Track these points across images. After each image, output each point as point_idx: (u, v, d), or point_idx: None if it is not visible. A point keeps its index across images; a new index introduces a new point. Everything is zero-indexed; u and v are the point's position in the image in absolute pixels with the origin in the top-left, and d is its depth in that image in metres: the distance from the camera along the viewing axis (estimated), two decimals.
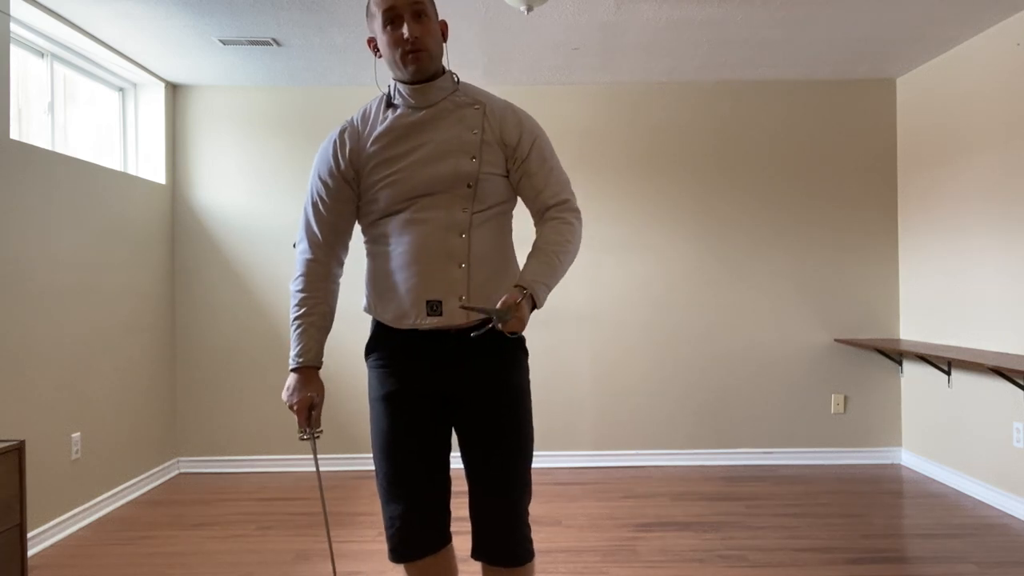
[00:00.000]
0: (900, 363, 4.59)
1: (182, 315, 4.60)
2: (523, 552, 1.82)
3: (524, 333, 2.17)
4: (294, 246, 2.01)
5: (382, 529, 3.47)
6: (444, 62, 1.92)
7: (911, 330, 4.51)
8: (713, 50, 4.04)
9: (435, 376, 1.80)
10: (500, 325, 1.63)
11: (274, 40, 3.81)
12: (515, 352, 1.84)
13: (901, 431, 4.63)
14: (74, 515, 3.53)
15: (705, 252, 4.66)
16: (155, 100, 4.48)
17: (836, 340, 4.61)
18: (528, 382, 1.89)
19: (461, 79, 1.95)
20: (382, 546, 3.25)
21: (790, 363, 4.65)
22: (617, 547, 3.23)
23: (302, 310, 1.84)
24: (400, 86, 1.80)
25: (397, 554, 1.83)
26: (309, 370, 1.83)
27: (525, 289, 1.69)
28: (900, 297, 4.63)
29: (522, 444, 1.81)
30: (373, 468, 4.55)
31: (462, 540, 3.29)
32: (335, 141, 1.84)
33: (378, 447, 1.83)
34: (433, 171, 1.76)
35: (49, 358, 3.37)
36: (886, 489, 4.10)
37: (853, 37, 3.87)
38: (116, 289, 3.94)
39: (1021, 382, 3.48)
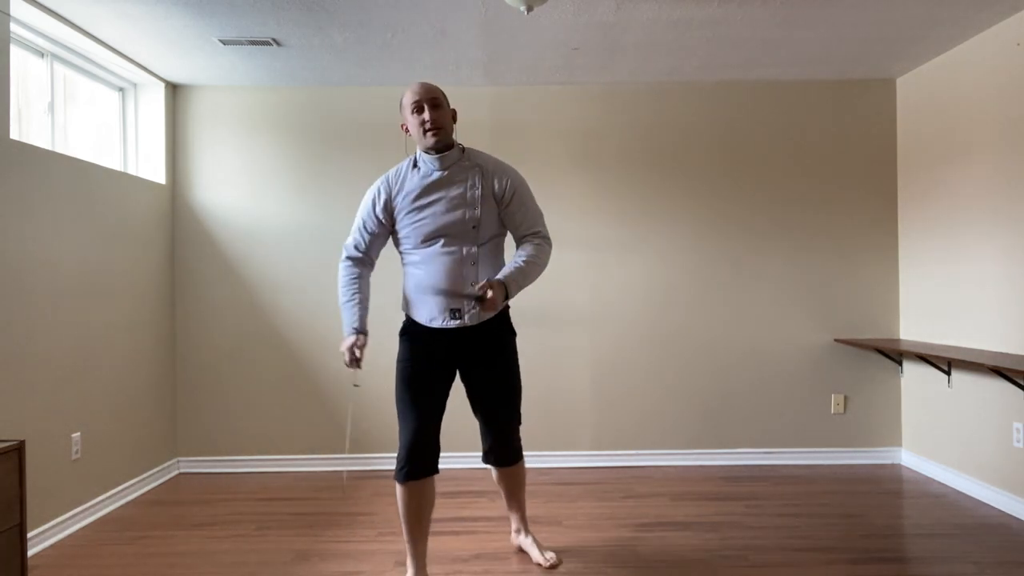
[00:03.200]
0: (900, 363, 4.59)
1: (182, 315, 4.60)
2: (517, 456, 2.90)
3: (518, 327, 3.08)
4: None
5: (382, 529, 3.48)
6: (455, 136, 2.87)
7: (911, 330, 4.51)
8: (713, 50, 4.04)
9: (449, 352, 2.68)
10: (479, 305, 2.48)
11: (274, 40, 3.81)
12: (505, 334, 2.77)
13: (901, 431, 4.63)
14: (74, 515, 3.53)
15: (705, 252, 4.66)
16: (155, 100, 4.48)
17: (836, 340, 4.61)
18: (515, 350, 2.82)
19: (464, 146, 2.84)
20: (382, 546, 3.25)
21: (790, 363, 4.65)
22: (617, 547, 3.23)
23: (353, 293, 2.68)
24: (423, 154, 2.65)
25: (404, 474, 2.59)
26: (361, 335, 2.63)
27: (501, 281, 2.51)
28: (900, 297, 4.63)
29: (514, 388, 2.79)
30: (372, 464, 4.60)
31: (465, 540, 3.29)
32: (377, 190, 2.70)
33: (402, 386, 2.64)
34: (449, 219, 2.62)
35: (49, 358, 3.37)
36: (886, 489, 4.10)
37: (853, 37, 3.87)
38: (116, 289, 3.94)
39: (1021, 382, 3.48)
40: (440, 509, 3.77)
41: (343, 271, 2.73)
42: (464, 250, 2.61)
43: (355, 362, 2.59)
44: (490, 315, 2.65)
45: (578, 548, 3.20)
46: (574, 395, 4.64)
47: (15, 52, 3.45)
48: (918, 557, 3.11)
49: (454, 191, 2.62)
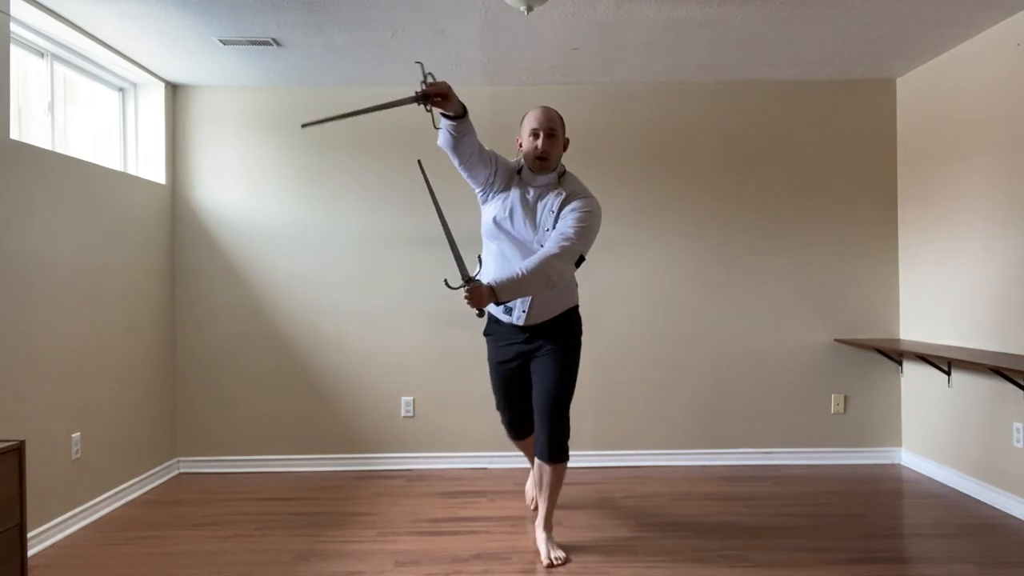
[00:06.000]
0: (900, 363, 4.59)
1: (182, 315, 4.60)
2: (558, 456, 3.01)
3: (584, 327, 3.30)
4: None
5: (382, 529, 3.48)
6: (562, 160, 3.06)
7: (911, 330, 4.51)
8: (713, 50, 4.04)
9: (520, 345, 3.06)
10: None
11: (274, 40, 3.81)
12: (567, 335, 3.10)
13: (901, 431, 4.63)
14: (74, 515, 3.53)
15: (705, 252, 4.66)
16: (155, 100, 4.48)
17: (836, 340, 4.61)
18: (574, 351, 3.13)
19: (565, 169, 3.06)
20: (382, 546, 3.25)
21: (790, 363, 4.65)
22: (617, 547, 3.23)
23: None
24: (527, 169, 2.95)
25: (511, 436, 3.36)
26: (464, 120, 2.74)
27: (490, 285, 2.69)
28: (900, 297, 4.63)
29: (563, 386, 3.03)
30: (372, 464, 4.60)
31: (465, 540, 3.29)
32: (511, 167, 2.99)
33: (491, 377, 3.26)
34: (520, 230, 2.91)
35: (49, 358, 3.37)
36: (886, 489, 4.10)
37: (853, 37, 3.87)
38: (116, 289, 3.93)
39: (1021, 382, 3.48)
40: (440, 509, 3.77)
41: None
42: (523, 257, 2.89)
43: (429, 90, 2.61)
44: (546, 316, 3.01)
45: (578, 548, 3.20)
46: (574, 395, 4.62)
47: (15, 52, 3.44)
48: (918, 557, 3.11)
49: (536, 210, 2.91)
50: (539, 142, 2.84)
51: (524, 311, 2.94)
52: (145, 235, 4.26)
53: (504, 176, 2.95)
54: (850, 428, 4.64)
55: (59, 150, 3.75)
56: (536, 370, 3.04)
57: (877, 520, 3.56)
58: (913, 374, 4.49)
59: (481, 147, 2.86)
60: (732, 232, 4.65)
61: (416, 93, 2.57)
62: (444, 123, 2.70)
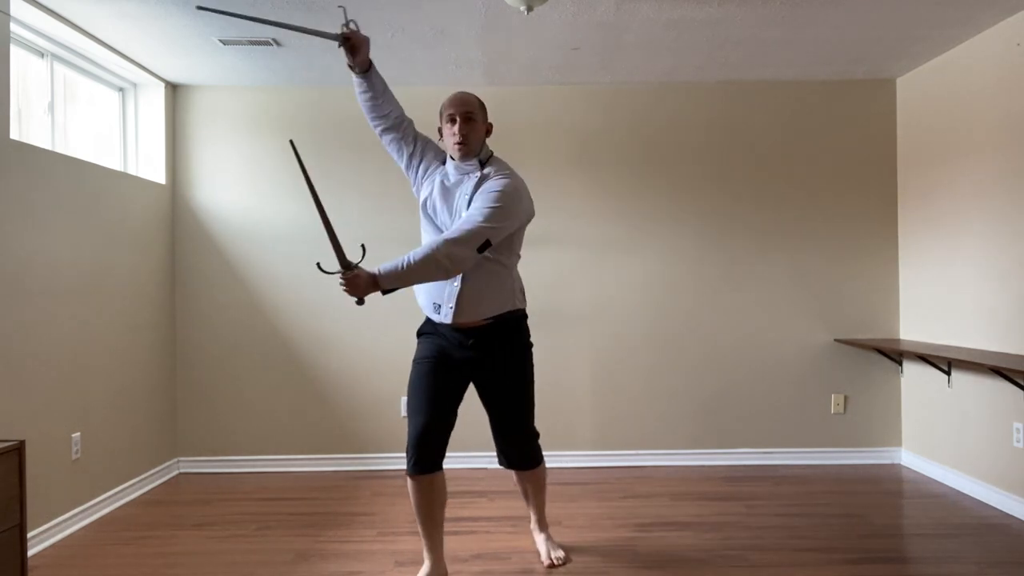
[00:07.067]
0: (900, 363, 4.59)
1: (182, 315, 4.60)
2: (532, 461, 2.97)
3: (532, 332, 3.10)
4: None
5: (382, 529, 3.48)
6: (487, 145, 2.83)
7: (911, 330, 4.51)
8: (713, 50, 4.04)
9: (461, 354, 2.76)
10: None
11: (274, 40, 3.81)
12: (517, 343, 2.93)
13: (901, 431, 4.63)
14: (74, 515, 3.53)
15: (705, 252, 4.66)
16: (155, 100, 4.48)
17: (836, 340, 4.61)
18: (527, 360, 2.98)
19: (491, 154, 2.83)
20: (382, 546, 3.25)
21: (790, 363, 4.65)
22: (617, 547, 3.23)
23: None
24: (449, 159, 2.76)
25: (416, 468, 2.67)
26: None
27: (375, 273, 2.50)
28: (900, 297, 4.63)
29: (522, 397, 2.95)
30: (372, 464, 4.60)
31: (465, 540, 3.29)
32: (436, 145, 2.85)
33: (412, 383, 2.79)
34: (444, 219, 2.72)
35: (49, 358, 3.37)
36: (886, 489, 4.10)
37: (853, 37, 3.87)
38: (116, 289, 3.93)
39: (1021, 382, 3.48)
40: None
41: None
42: None
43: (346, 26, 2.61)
44: (481, 316, 2.73)
45: (578, 548, 3.20)
46: (574, 395, 4.64)
47: (15, 52, 3.44)
48: (918, 557, 3.11)
49: (454, 195, 2.72)
50: (456, 127, 2.66)
51: (451, 307, 2.68)
52: (145, 235, 4.26)
53: (429, 159, 2.81)
54: (850, 428, 4.64)
55: (59, 150, 3.75)
56: (488, 388, 2.87)
57: (877, 520, 3.56)
58: (913, 374, 4.49)
59: (406, 122, 2.81)
60: (732, 232, 4.65)
61: (338, 34, 2.58)
62: (353, 77, 2.72)
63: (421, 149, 2.82)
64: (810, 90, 4.66)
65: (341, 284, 2.53)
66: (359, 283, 2.51)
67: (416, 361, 2.80)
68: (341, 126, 4.63)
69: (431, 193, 2.75)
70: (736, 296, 4.66)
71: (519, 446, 2.93)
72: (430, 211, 2.76)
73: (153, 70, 4.30)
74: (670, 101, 4.66)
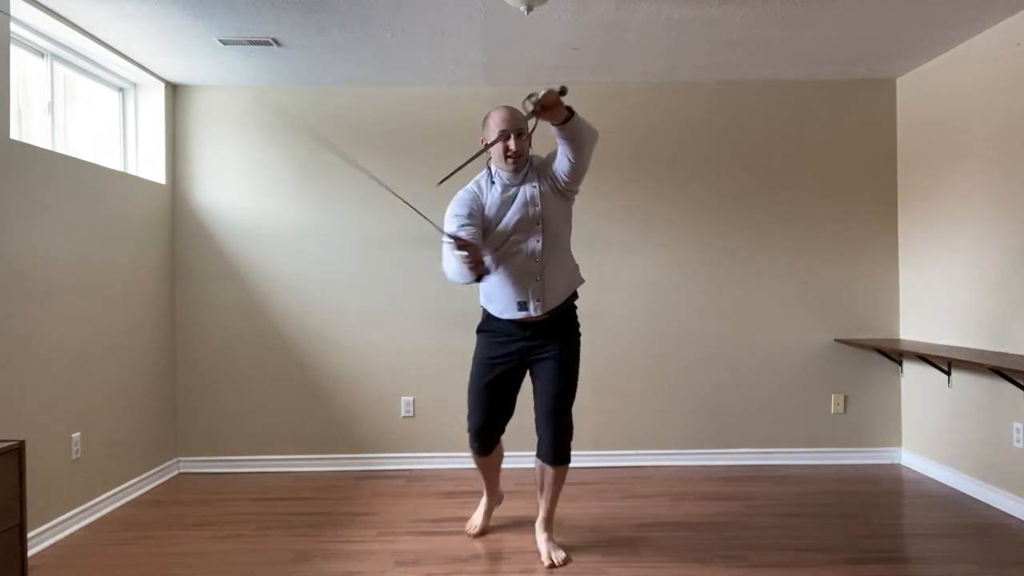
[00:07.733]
0: (900, 363, 4.59)
1: (182, 315, 4.60)
2: (562, 458, 3.04)
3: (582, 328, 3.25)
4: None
5: (382, 529, 3.48)
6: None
7: (911, 330, 4.51)
8: (713, 50, 4.04)
9: (520, 347, 3.03)
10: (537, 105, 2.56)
11: (274, 40, 3.81)
12: (570, 334, 3.15)
13: (901, 431, 4.63)
14: (74, 515, 3.53)
15: (705, 252, 4.66)
16: (155, 100, 4.48)
17: (836, 340, 4.61)
18: (577, 351, 3.16)
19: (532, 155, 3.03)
20: (382, 546, 3.25)
21: (790, 363, 4.65)
22: (617, 547, 3.23)
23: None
24: (499, 172, 2.96)
25: (478, 450, 3.17)
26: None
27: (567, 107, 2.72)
28: (900, 297, 4.63)
29: (567, 387, 3.04)
30: (372, 464, 4.60)
31: (465, 540, 3.28)
32: (472, 192, 2.95)
33: (474, 377, 3.14)
34: (518, 218, 2.92)
35: (49, 358, 3.37)
36: (886, 489, 4.10)
37: (853, 37, 3.87)
38: (116, 289, 3.93)
39: (1021, 382, 3.48)
40: (440, 509, 3.77)
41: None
42: (530, 244, 2.93)
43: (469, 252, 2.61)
44: (559, 300, 3.04)
45: (578, 548, 3.20)
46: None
47: (15, 52, 3.44)
48: (918, 557, 3.11)
49: (522, 197, 2.93)
50: (511, 142, 2.86)
51: (540, 300, 2.94)
52: (145, 235, 4.26)
53: (477, 209, 2.92)
54: (850, 428, 4.64)
55: (59, 150, 3.75)
56: (540, 373, 3.04)
57: (877, 520, 3.56)
58: (913, 374, 4.49)
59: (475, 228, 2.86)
60: (732, 232, 4.65)
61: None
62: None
63: (478, 216, 2.92)
64: (810, 90, 4.66)
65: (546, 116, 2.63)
66: (557, 99, 2.62)
67: (481, 360, 3.09)
68: (340, 126, 4.62)
69: (492, 214, 2.92)
70: (736, 296, 4.66)
71: (560, 430, 3.01)
72: (496, 225, 2.91)
73: (153, 70, 4.30)
74: (670, 101, 4.66)
